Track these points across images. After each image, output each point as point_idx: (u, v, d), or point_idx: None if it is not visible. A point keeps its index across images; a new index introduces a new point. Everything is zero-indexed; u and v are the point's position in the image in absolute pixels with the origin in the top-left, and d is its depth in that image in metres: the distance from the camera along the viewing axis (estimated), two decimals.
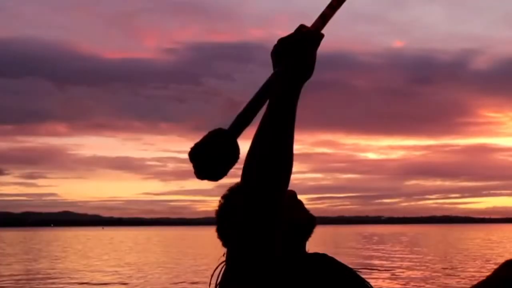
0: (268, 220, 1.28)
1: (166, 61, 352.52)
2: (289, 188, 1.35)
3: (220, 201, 1.69)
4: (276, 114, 1.29)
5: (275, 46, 1.33)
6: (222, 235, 1.66)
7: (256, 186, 1.28)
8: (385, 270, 22.15)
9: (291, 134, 1.30)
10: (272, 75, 1.29)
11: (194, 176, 1.23)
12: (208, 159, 1.19)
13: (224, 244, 1.62)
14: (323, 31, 1.33)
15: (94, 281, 19.18)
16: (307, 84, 1.33)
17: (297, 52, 1.29)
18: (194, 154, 1.21)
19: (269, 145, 1.28)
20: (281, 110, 1.29)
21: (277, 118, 1.29)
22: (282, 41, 1.31)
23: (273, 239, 1.30)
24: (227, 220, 1.62)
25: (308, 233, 1.66)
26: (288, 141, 1.30)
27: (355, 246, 43.26)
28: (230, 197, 1.67)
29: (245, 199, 1.29)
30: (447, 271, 21.59)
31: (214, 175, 1.21)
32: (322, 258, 1.64)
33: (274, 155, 1.28)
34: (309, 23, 1.31)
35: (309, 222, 1.66)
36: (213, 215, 1.71)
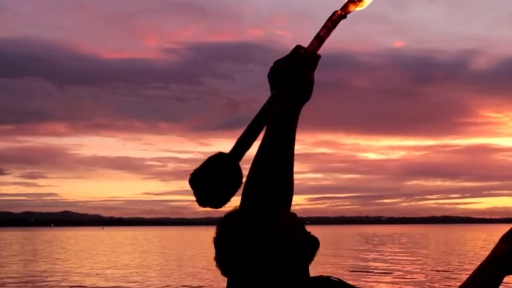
0: (270, 244, 1.25)
1: (166, 61, 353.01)
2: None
3: (217, 228, 1.64)
4: (275, 137, 1.27)
5: (272, 68, 1.30)
6: (221, 263, 1.61)
7: (256, 209, 1.25)
8: (385, 272, 21.95)
9: (291, 156, 1.28)
10: (270, 97, 1.27)
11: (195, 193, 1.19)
12: (210, 186, 1.15)
13: (224, 273, 1.58)
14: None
15: (89, 284, 19.00)
16: None
17: (295, 74, 1.27)
18: (195, 181, 1.16)
19: (270, 168, 1.26)
20: (280, 133, 1.27)
21: (276, 141, 1.27)
22: (279, 63, 1.29)
23: (275, 263, 1.27)
24: (227, 247, 1.56)
25: (311, 256, 1.61)
26: (289, 162, 1.28)
27: (355, 247, 43.08)
28: (227, 224, 1.63)
29: (245, 223, 1.26)
30: (447, 273, 21.41)
31: (217, 202, 1.17)
32: (326, 282, 1.60)
33: (274, 177, 1.26)
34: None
35: (311, 244, 1.61)
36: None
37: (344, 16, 1.34)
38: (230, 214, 1.64)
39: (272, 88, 1.30)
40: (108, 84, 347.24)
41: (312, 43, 1.32)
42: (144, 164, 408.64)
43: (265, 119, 1.24)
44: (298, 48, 1.29)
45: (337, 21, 1.34)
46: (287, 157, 1.27)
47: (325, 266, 23.21)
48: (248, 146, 1.20)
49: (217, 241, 1.62)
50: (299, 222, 1.63)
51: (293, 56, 1.28)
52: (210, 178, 1.14)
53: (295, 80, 1.27)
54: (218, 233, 1.63)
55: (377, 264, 25.98)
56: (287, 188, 1.27)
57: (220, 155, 1.16)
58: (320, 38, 1.32)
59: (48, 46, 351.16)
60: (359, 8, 1.38)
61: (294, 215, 1.62)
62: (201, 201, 1.18)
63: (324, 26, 1.33)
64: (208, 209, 1.18)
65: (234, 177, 1.16)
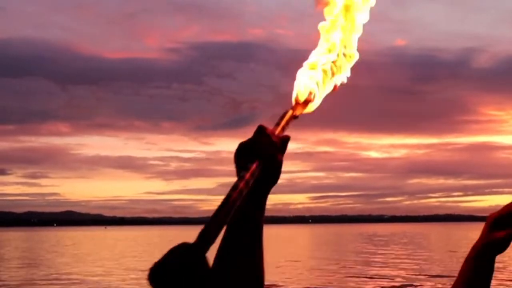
0: None
1: (168, 61, 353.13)
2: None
3: None
4: (248, 224, 1.21)
5: (239, 150, 1.22)
6: None
7: None
8: (385, 274, 21.77)
9: (259, 246, 1.22)
10: (238, 180, 1.17)
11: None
12: (175, 284, 1.00)
13: None
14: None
15: None
16: None
17: (266, 158, 1.20)
18: (156, 280, 1.02)
19: (239, 258, 1.18)
20: (251, 218, 1.22)
21: (249, 229, 1.21)
22: (248, 146, 1.21)
23: None
24: None
25: None
26: (258, 250, 1.21)
27: (357, 247, 42.89)
28: None
29: None
30: (447, 279, 21.22)
31: None
32: None
33: (251, 269, 1.19)
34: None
35: None
36: None
37: (296, 117, 1.32)
38: None
39: (238, 171, 1.20)
40: (110, 84, 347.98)
41: (277, 127, 1.26)
42: (146, 164, 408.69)
43: (234, 203, 1.13)
44: (263, 131, 1.22)
45: (289, 121, 1.30)
46: (261, 242, 1.22)
47: (325, 268, 23.03)
48: (218, 233, 1.08)
49: None
50: None
51: (261, 141, 1.20)
52: (173, 276, 1.01)
53: (266, 164, 1.20)
54: None
55: (377, 265, 25.83)
56: (260, 274, 1.21)
57: (184, 246, 1.03)
58: (287, 122, 1.28)
59: (49, 46, 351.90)
60: (307, 110, 1.35)
61: None
62: None
63: (277, 124, 1.28)
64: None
65: (200, 272, 1.00)
